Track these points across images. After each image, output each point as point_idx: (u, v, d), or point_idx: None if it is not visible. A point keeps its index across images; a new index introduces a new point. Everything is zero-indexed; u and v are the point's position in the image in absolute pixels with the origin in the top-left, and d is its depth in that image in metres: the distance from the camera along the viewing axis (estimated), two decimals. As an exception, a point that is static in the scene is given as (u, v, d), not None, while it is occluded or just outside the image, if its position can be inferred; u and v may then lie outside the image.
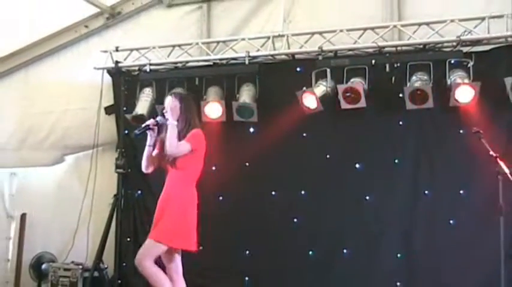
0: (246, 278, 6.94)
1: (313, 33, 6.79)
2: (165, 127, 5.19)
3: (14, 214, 8.17)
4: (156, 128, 5.24)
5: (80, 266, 7.29)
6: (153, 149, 5.27)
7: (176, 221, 5.07)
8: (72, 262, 7.39)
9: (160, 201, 5.20)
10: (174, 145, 5.06)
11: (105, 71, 7.45)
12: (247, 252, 6.96)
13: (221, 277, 7.02)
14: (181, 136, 5.12)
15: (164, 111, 5.24)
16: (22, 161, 8.13)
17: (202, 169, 5.32)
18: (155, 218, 5.17)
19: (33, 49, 8.05)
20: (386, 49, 6.54)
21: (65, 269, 7.34)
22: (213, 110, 6.89)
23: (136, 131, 5.29)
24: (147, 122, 5.26)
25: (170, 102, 5.21)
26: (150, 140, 5.23)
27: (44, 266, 7.62)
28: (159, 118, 5.25)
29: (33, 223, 8.01)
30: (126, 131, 7.35)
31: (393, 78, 6.41)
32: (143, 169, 5.35)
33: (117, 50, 7.38)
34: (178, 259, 5.23)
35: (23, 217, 8.00)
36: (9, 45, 7.97)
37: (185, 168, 5.16)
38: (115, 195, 7.36)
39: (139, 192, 7.43)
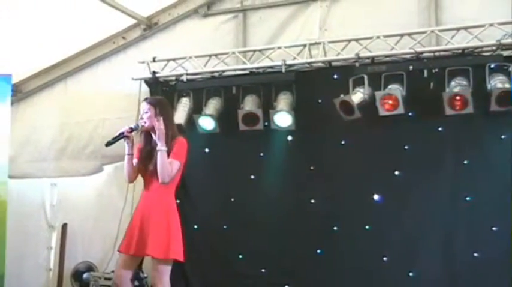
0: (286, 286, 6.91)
1: (349, 40, 6.76)
2: (144, 136, 5.12)
3: (55, 224, 8.28)
4: (131, 135, 5.06)
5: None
6: (133, 158, 5.10)
7: (177, 234, 5.02)
8: (113, 271, 7.41)
9: (145, 212, 5.01)
10: (167, 172, 4.92)
11: (143, 81, 7.50)
12: (287, 261, 6.92)
13: (261, 285, 7.00)
14: (166, 144, 4.92)
15: (140, 117, 5.13)
16: (62, 171, 8.25)
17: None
18: (139, 230, 4.96)
19: (72, 61, 8.19)
20: (424, 55, 6.47)
21: (106, 279, 7.38)
22: (251, 118, 6.88)
23: (110, 140, 5.07)
24: (121, 130, 5.06)
25: (144, 109, 5.09)
26: (127, 149, 5.05)
27: (85, 275, 7.69)
28: (133, 125, 5.11)
29: (74, 232, 8.10)
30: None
31: (432, 84, 6.32)
32: (126, 179, 5.17)
33: (154, 60, 7.43)
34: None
35: (64, 227, 8.10)
36: (49, 58, 8.10)
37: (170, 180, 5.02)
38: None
39: (178, 201, 7.42)
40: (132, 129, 5.05)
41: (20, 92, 8.30)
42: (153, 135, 5.07)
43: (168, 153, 4.96)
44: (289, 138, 7.01)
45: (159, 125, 4.92)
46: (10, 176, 7.41)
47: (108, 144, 5.08)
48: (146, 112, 5.07)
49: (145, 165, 5.07)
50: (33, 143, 8.26)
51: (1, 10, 6.71)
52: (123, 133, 5.03)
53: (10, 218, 7.31)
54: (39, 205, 8.32)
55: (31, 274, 8.17)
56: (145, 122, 5.06)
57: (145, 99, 5.30)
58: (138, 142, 5.24)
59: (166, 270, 4.97)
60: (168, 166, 4.93)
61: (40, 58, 8.01)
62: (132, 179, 5.19)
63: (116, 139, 5.06)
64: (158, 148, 4.91)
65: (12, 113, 7.48)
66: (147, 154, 5.08)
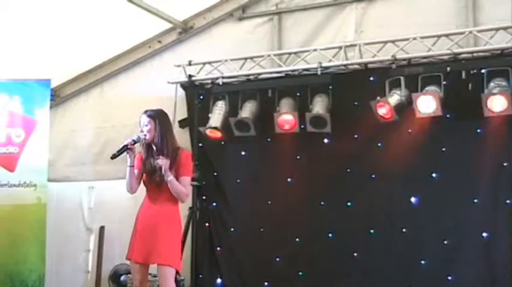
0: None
1: (385, 42, 6.72)
2: (145, 148, 5.26)
3: (92, 227, 8.38)
4: (134, 147, 5.22)
5: (157, 278, 7.34)
6: (134, 169, 5.27)
7: (178, 243, 5.28)
8: (150, 274, 7.45)
9: (148, 220, 5.21)
10: (184, 194, 5.20)
11: (179, 85, 7.55)
12: (324, 264, 6.90)
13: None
14: (166, 157, 5.10)
15: (140, 130, 5.25)
16: (99, 175, 8.31)
17: None
18: (142, 237, 5.19)
19: (108, 65, 8.28)
20: (461, 56, 6.41)
21: (143, 281, 7.42)
22: (287, 121, 6.88)
23: (115, 153, 5.23)
24: (125, 142, 5.22)
25: (144, 121, 5.23)
26: (130, 161, 5.24)
27: (122, 277, 7.74)
28: (135, 137, 5.23)
29: (112, 235, 8.17)
30: (200, 144, 7.43)
31: (470, 85, 6.25)
32: (128, 190, 5.32)
33: (190, 64, 7.48)
34: None
35: (102, 229, 8.19)
36: (86, 63, 8.20)
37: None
38: (190, 207, 7.41)
39: (214, 204, 7.48)
40: (134, 142, 5.23)
41: (58, 97, 8.40)
42: (153, 146, 5.24)
43: (171, 165, 5.12)
44: (326, 140, 6.99)
45: (161, 162, 5.07)
46: (49, 180, 7.52)
47: (114, 157, 5.26)
48: (146, 125, 5.24)
49: (150, 177, 5.24)
50: (71, 147, 8.37)
51: (39, 17, 6.77)
52: (127, 146, 5.20)
53: (49, 221, 7.41)
54: (78, 207, 8.43)
55: (70, 275, 8.28)
56: (145, 135, 5.21)
57: (145, 111, 5.40)
58: (138, 152, 5.38)
59: (172, 282, 5.21)
60: (182, 189, 5.17)
61: (77, 63, 8.10)
62: (134, 190, 5.36)
63: (120, 151, 5.23)
64: (166, 179, 5.09)
65: (50, 118, 7.56)
66: (150, 166, 5.24)
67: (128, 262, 7.69)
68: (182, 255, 5.25)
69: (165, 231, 5.12)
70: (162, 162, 5.07)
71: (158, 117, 5.30)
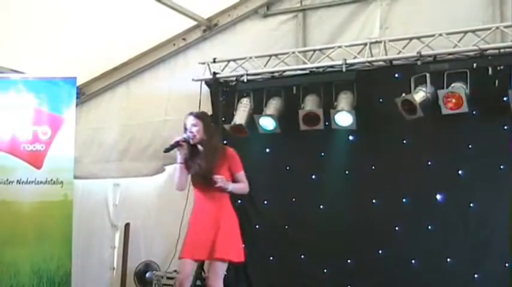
0: (348, 287, 6.90)
1: (411, 39, 6.68)
2: (189, 148, 5.37)
3: (118, 224, 8.44)
4: (184, 144, 5.34)
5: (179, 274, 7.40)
6: (183, 166, 5.40)
7: (237, 236, 5.39)
8: (175, 271, 7.51)
9: (207, 218, 5.33)
10: (246, 189, 5.48)
11: (203, 82, 7.57)
12: (349, 261, 6.91)
13: (323, 285, 7.00)
14: (211, 156, 5.29)
15: (189, 131, 5.36)
16: (124, 172, 8.40)
17: None
18: (203, 235, 5.29)
19: (133, 63, 8.31)
20: (488, 52, 6.34)
21: (168, 278, 7.49)
22: (311, 118, 6.88)
23: (168, 147, 5.37)
24: (177, 139, 5.35)
25: (192, 122, 5.36)
26: (179, 158, 5.39)
27: (147, 274, 7.81)
28: (185, 135, 5.35)
29: (137, 232, 8.24)
30: (225, 141, 7.40)
31: (496, 82, 6.19)
32: (177, 188, 5.48)
33: (214, 61, 7.50)
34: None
35: (127, 226, 8.24)
36: (111, 61, 8.25)
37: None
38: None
39: (239, 201, 7.47)
40: (185, 140, 5.33)
41: (83, 95, 8.46)
42: (198, 147, 5.39)
43: (221, 165, 5.31)
44: (351, 137, 6.98)
45: (220, 183, 5.21)
46: (75, 177, 7.57)
47: (167, 150, 5.41)
48: (195, 125, 5.36)
49: (201, 176, 5.34)
50: (96, 145, 8.42)
51: (65, 15, 6.83)
52: (178, 142, 5.33)
53: (75, 218, 7.46)
54: (103, 204, 8.49)
55: (95, 272, 8.34)
56: (194, 136, 5.32)
57: (191, 113, 5.52)
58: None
59: (222, 275, 5.29)
60: (243, 186, 5.44)
61: (102, 60, 8.15)
62: (183, 188, 5.52)
63: (172, 147, 5.35)
64: (228, 190, 5.32)
65: (76, 115, 7.62)
66: (196, 167, 5.37)
67: (154, 259, 7.95)
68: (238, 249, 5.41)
69: (225, 226, 5.29)
70: (222, 183, 5.22)
71: (205, 118, 5.50)
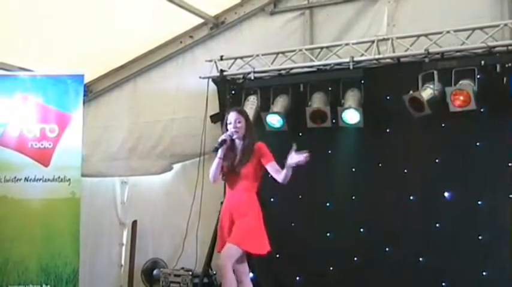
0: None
1: (418, 36, 6.67)
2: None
3: (125, 221, 8.47)
4: (229, 142, 5.54)
5: (190, 273, 7.44)
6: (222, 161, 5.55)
7: (256, 226, 5.46)
8: (182, 268, 7.56)
9: (230, 209, 5.53)
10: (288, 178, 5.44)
11: (210, 80, 7.58)
12: (356, 259, 6.91)
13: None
14: (247, 151, 5.49)
15: (233, 127, 5.52)
16: (132, 170, 8.43)
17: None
18: (227, 226, 5.50)
19: (141, 61, 8.34)
20: (496, 49, 6.32)
21: (175, 275, 7.51)
22: (318, 115, 6.88)
23: (217, 145, 5.53)
24: (223, 137, 5.55)
25: (236, 118, 5.55)
26: (221, 153, 5.54)
27: (155, 271, 7.88)
28: (230, 132, 5.53)
29: (144, 229, 8.27)
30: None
31: (505, 79, 6.17)
32: (211, 179, 5.66)
33: (221, 59, 7.52)
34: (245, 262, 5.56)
35: (134, 224, 8.26)
36: (118, 58, 8.27)
37: (251, 177, 5.54)
38: (222, 202, 7.43)
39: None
40: (230, 137, 5.52)
41: (91, 92, 8.48)
42: (236, 141, 5.58)
43: (252, 158, 5.47)
44: (358, 135, 6.93)
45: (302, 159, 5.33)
46: (83, 175, 7.57)
47: (216, 150, 5.55)
48: (239, 122, 5.55)
49: (231, 169, 5.52)
50: (104, 143, 8.44)
51: (72, 12, 6.84)
52: (225, 140, 5.54)
53: (83, 215, 7.46)
54: (111, 202, 8.53)
55: (103, 269, 8.38)
56: (237, 132, 5.53)
57: (234, 109, 5.74)
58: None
59: (232, 255, 5.35)
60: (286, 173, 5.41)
61: (110, 58, 8.16)
62: (217, 181, 5.69)
63: (221, 145, 5.53)
64: (289, 168, 5.38)
65: (83, 113, 7.62)
66: (231, 159, 5.55)
67: (162, 256, 7.97)
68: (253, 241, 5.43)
69: (243, 215, 5.42)
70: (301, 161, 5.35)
71: (246, 114, 5.77)
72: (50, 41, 7.17)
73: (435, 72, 6.38)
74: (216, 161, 5.55)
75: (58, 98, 7.45)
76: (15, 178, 7.24)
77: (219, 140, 5.56)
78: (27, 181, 7.26)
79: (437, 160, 6.63)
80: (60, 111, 7.45)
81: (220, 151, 5.52)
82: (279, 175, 5.42)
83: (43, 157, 7.34)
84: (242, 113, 5.69)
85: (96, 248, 8.27)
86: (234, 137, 5.54)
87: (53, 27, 6.99)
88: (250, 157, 5.49)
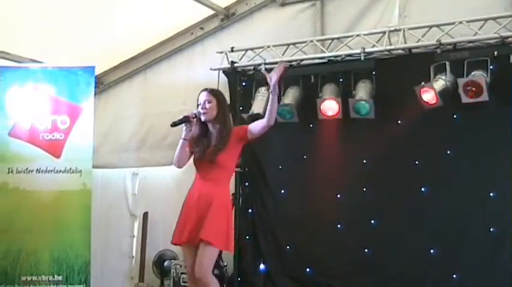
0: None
1: (430, 27, 6.63)
2: (198, 125, 5.10)
3: (136, 213, 8.49)
4: (194, 121, 5.10)
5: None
6: (187, 144, 5.12)
7: (227, 224, 5.02)
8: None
9: (199, 200, 5.00)
10: (274, 117, 4.91)
11: (221, 71, 7.56)
12: (366, 250, 6.91)
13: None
14: (223, 136, 5.00)
15: (201, 107, 5.08)
16: (143, 161, 8.44)
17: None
18: (192, 217, 4.98)
19: (151, 52, 8.34)
20: (509, 39, 6.26)
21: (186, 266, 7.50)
22: (330, 107, 6.88)
23: (176, 121, 5.11)
24: (187, 114, 5.12)
25: (206, 98, 5.10)
26: (185, 133, 5.12)
27: (166, 263, 7.89)
28: (196, 111, 5.10)
29: (155, 221, 8.27)
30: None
31: (517, 70, 6.15)
32: (175, 164, 5.22)
33: (232, 50, 7.49)
34: None
35: (145, 215, 8.28)
36: (129, 50, 8.28)
37: (227, 166, 5.10)
38: (233, 194, 7.42)
39: (256, 191, 7.51)
40: (195, 116, 5.11)
41: (101, 84, 8.51)
42: (209, 125, 5.12)
43: (226, 145, 4.99)
44: (369, 126, 6.89)
45: (281, 71, 4.82)
46: (94, 166, 7.60)
47: (174, 124, 5.14)
48: (209, 102, 5.09)
49: (203, 155, 5.06)
50: (115, 134, 8.47)
51: (82, 4, 6.84)
52: (188, 117, 5.10)
53: (94, 207, 7.49)
54: (122, 194, 8.55)
55: (114, 261, 8.41)
56: (206, 112, 5.07)
57: (206, 89, 5.25)
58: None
59: (212, 261, 5.01)
60: (275, 111, 4.93)
61: (120, 50, 8.16)
62: (181, 165, 5.25)
63: (181, 121, 5.11)
64: (273, 92, 4.83)
65: (94, 105, 7.64)
66: (202, 142, 5.09)
67: (172, 248, 7.96)
68: (231, 238, 5.06)
69: (215, 210, 4.93)
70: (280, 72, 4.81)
71: (219, 95, 5.22)
72: (61, 33, 7.18)
73: (447, 63, 6.35)
74: (180, 142, 5.13)
75: (69, 90, 7.49)
76: (27, 169, 7.29)
77: (181, 116, 5.15)
78: (38, 172, 7.30)
79: (448, 152, 6.60)
80: (72, 103, 7.49)
81: (184, 132, 5.10)
82: (263, 120, 4.94)
83: (54, 149, 7.38)
84: (214, 93, 5.17)
85: (107, 240, 8.29)
86: (202, 118, 5.05)
87: (64, 19, 6.99)
88: (227, 144, 5.00)
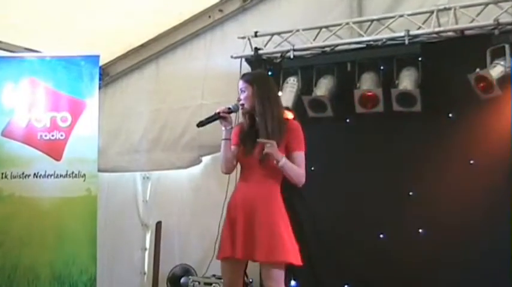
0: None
1: (486, 4, 6.48)
2: (245, 119, 5.01)
3: (148, 222, 8.49)
4: (229, 117, 4.98)
5: (222, 280, 7.31)
6: (230, 143, 4.99)
7: (290, 234, 4.88)
8: (214, 276, 7.52)
9: (247, 206, 4.84)
10: (301, 175, 4.90)
11: (244, 59, 7.50)
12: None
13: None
14: (274, 129, 4.81)
15: (238, 98, 5.03)
16: (155, 164, 8.45)
17: None
18: (242, 230, 4.81)
19: (164, 39, 8.32)
20: None
21: (206, 284, 7.48)
22: (369, 99, 6.78)
23: (203, 120, 4.99)
24: (217, 110, 4.97)
25: (241, 87, 4.98)
26: (224, 133, 4.97)
27: (182, 280, 7.84)
28: (232, 105, 5.01)
29: (170, 231, 8.23)
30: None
31: None
32: (223, 171, 5.07)
33: (256, 35, 7.42)
34: None
35: (158, 225, 8.23)
36: (138, 36, 8.27)
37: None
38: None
39: (286, 193, 7.34)
40: (230, 110, 5.00)
41: (107, 75, 8.54)
42: (256, 117, 4.98)
43: (278, 141, 4.82)
44: (415, 121, 6.79)
45: (268, 149, 4.74)
46: (100, 170, 7.62)
47: (200, 124, 5.03)
48: (243, 91, 4.98)
49: (246, 151, 4.95)
50: (123, 133, 8.50)
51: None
52: (218, 113, 4.97)
53: (100, 215, 7.52)
54: (131, 200, 8.58)
55: (124, 276, 8.43)
56: (242, 104, 4.98)
57: (242, 76, 5.19)
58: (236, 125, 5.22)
59: (281, 275, 4.84)
60: (298, 170, 4.88)
61: (128, 37, 8.17)
62: (229, 170, 5.10)
63: (209, 119, 5.01)
64: (279, 165, 4.78)
65: (99, 99, 7.62)
66: (249, 138, 4.96)
67: (190, 262, 7.90)
68: (292, 246, 4.87)
69: (267, 219, 4.79)
70: (270, 149, 4.74)
71: (257, 81, 5.00)
72: (60, 18, 7.21)
73: (506, 46, 6.20)
74: (222, 144, 4.96)
75: (70, 83, 7.48)
76: (23, 173, 7.28)
77: (212, 112, 5.01)
78: (36, 177, 7.30)
79: (508, 150, 6.41)
80: (73, 98, 7.47)
81: (224, 131, 4.94)
82: (299, 170, 4.89)
83: (54, 150, 7.37)
84: (250, 80, 4.99)
85: (115, 254, 8.34)
86: (240, 111, 4.97)
87: (63, 2, 6.99)
88: (279, 138, 4.82)
